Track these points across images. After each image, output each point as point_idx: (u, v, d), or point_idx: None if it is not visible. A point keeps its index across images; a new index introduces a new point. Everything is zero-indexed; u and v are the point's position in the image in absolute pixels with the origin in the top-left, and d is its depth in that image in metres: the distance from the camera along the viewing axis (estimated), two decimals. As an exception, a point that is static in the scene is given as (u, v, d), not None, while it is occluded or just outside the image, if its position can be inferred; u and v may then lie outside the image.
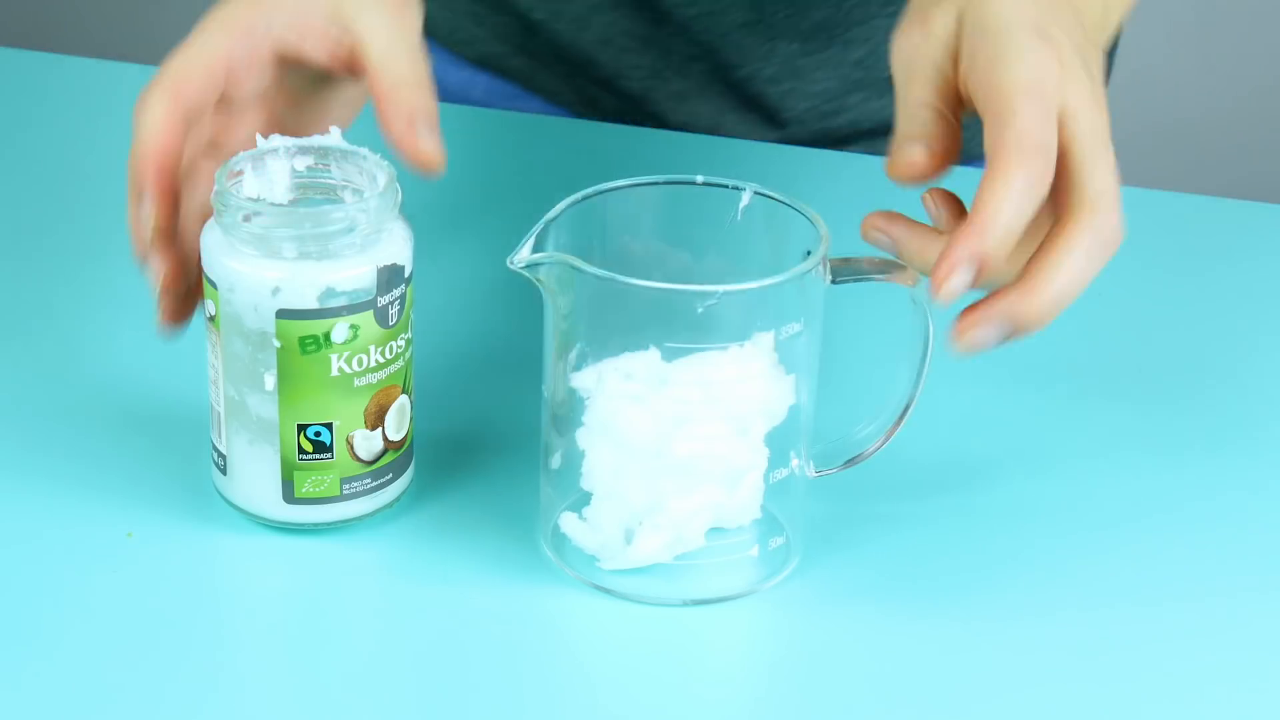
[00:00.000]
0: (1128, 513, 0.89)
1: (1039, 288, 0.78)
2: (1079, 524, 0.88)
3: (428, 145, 0.84)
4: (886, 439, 0.84)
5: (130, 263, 0.96)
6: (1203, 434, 0.94)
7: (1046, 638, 0.82)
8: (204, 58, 0.85)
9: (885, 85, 1.20)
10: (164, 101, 0.84)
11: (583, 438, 0.81)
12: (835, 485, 0.88)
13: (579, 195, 0.82)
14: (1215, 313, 1.03)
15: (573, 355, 0.80)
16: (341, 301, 0.80)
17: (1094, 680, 0.80)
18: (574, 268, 0.78)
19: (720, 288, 0.77)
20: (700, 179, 0.84)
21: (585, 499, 0.82)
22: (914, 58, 0.81)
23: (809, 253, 0.80)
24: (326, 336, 0.80)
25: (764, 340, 0.79)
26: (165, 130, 0.83)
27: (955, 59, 0.81)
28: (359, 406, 0.82)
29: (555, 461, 0.83)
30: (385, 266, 0.81)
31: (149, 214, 0.83)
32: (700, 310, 0.77)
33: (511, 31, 1.23)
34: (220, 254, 0.81)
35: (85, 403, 0.93)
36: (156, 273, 0.84)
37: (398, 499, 0.86)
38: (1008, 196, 0.76)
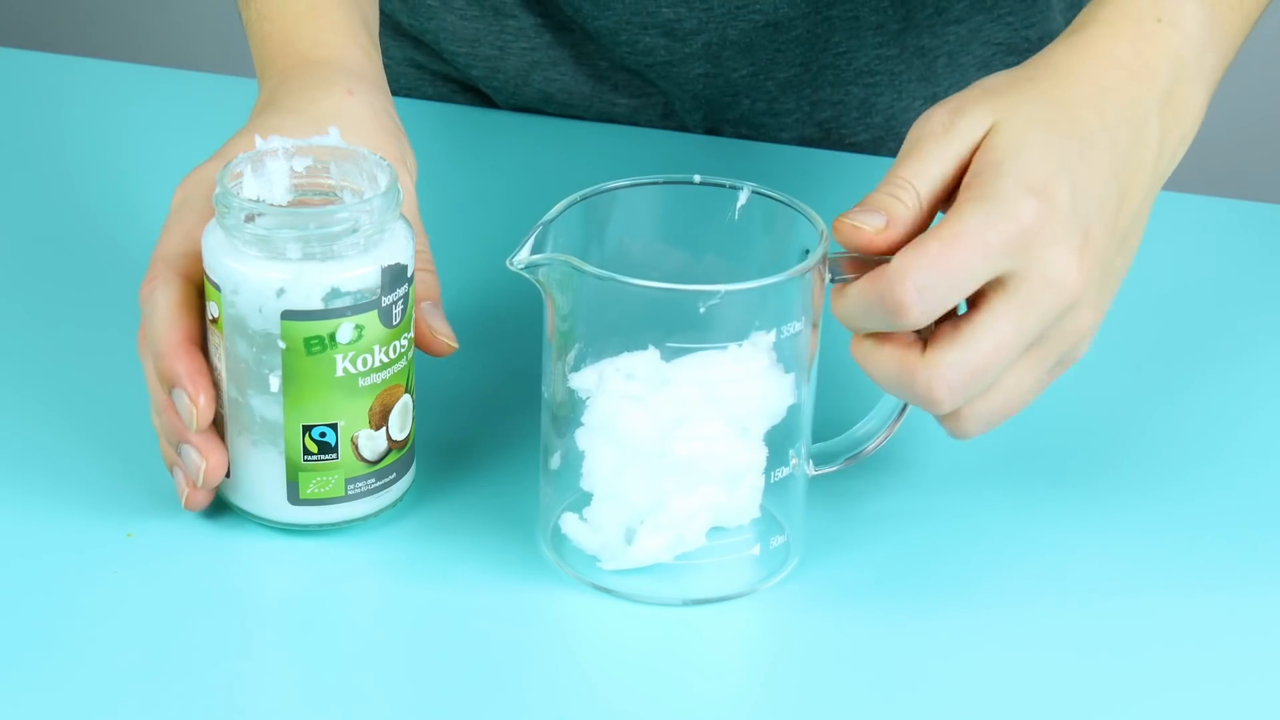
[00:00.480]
0: (1127, 511, 0.89)
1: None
2: (1077, 523, 0.88)
3: (440, 333, 0.86)
4: (885, 437, 0.84)
5: (129, 261, 0.97)
6: (1206, 433, 0.94)
7: (1045, 636, 0.82)
8: (198, 232, 0.84)
9: (847, 150, 1.20)
10: (172, 287, 0.83)
11: (582, 438, 0.81)
12: (835, 484, 0.88)
13: (577, 195, 0.82)
14: (1215, 313, 1.03)
15: (572, 355, 0.81)
16: (346, 302, 0.80)
17: (1093, 678, 0.80)
18: (573, 268, 0.78)
19: (721, 288, 0.77)
20: (698, 178, 0.84)
21: (585, 499, 0.82)
22: (925, 138, 0.80)
23: (807, 252, 0.80)
24: (332, 337, 0.80)
25: (763, 340, 0.79)
26: (182, 318, 0.82)
27: (962, 165, 0.80)
28: (363, 406, 0.82)
29: (555, 462, 0.83)
30: (389, 266, 0.81)
31: (189, 410, 0.81)
32: (701, 310, 0.78)
33: (452, 78, 1.24)
34: (223, 255, 0.80)
35: (85, 403, 0.93)
36: (202, 468, 0.82)
37: (400, 499, 0.86)
38: (862, 296, 0.78)
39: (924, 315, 0.77)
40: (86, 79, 1.25)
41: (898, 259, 0.77)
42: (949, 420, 0.81)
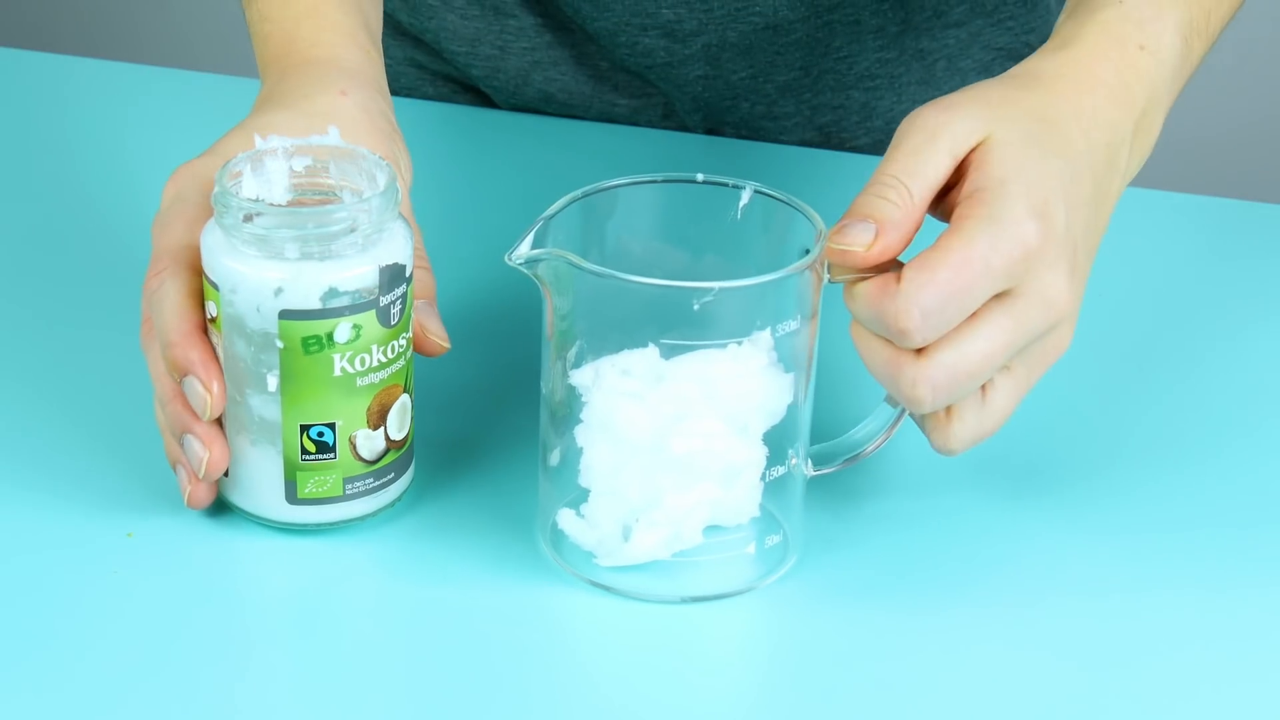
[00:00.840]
0: (1126, 510, 0.89)
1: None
2: (1075, 523, 0.89)
3: (433, 332, 0.86)
4: (884, 439, 0.84)
5: (130, 260, 0.97)
6: (1202, 433, 0.94)
7: (1041, 636, 0.82)
8: (199, 225, 0.84)
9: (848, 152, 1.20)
10: (181, 278, 0.83)
11: (581, 435, 0.81)
12: (833, 484, 0.88)
13: (578, 193, 0.83)
14: (1215, 313, 1.03)
15: (571, 353, 0.81)
16: (344, 301, 0.80)
17: (1090, 677, 0.80)
18: (572, 264, 0.78)
19: (717, 284, 0.77)
20: (700, 177, 0.84)
21: (583, 496, 0.82)
22: (916, 134, 0.80)
23: (807, 251, 0.80)
24: (329, 336, 0.80)
25: (762, 339, 0.79)
26: (191, 308, 0.83)
27: (954, 163, 0.80)
28: (361, 406, 0.82)
29: (554, 459, 0.83)
30: (387, 266, 0.81)
31: (199, 399, 0.82)
32: (697, 307, 0.78)
33: (453, 78, 1.24)
34: (221, 255, 0.81)
35: (86, 401, 0.93)
36: (203, 461, 0.83)
37: (399, 498, 0.86)
38: (868, 307, 0.78)
39: (927, 339, 0.78)
40: (87, 79, 1.25)
41: (905, 282, 0.77)
42: (936, 437, 0.82)
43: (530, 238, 0.80)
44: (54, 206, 1.10)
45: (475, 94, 1.24)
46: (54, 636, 0.80)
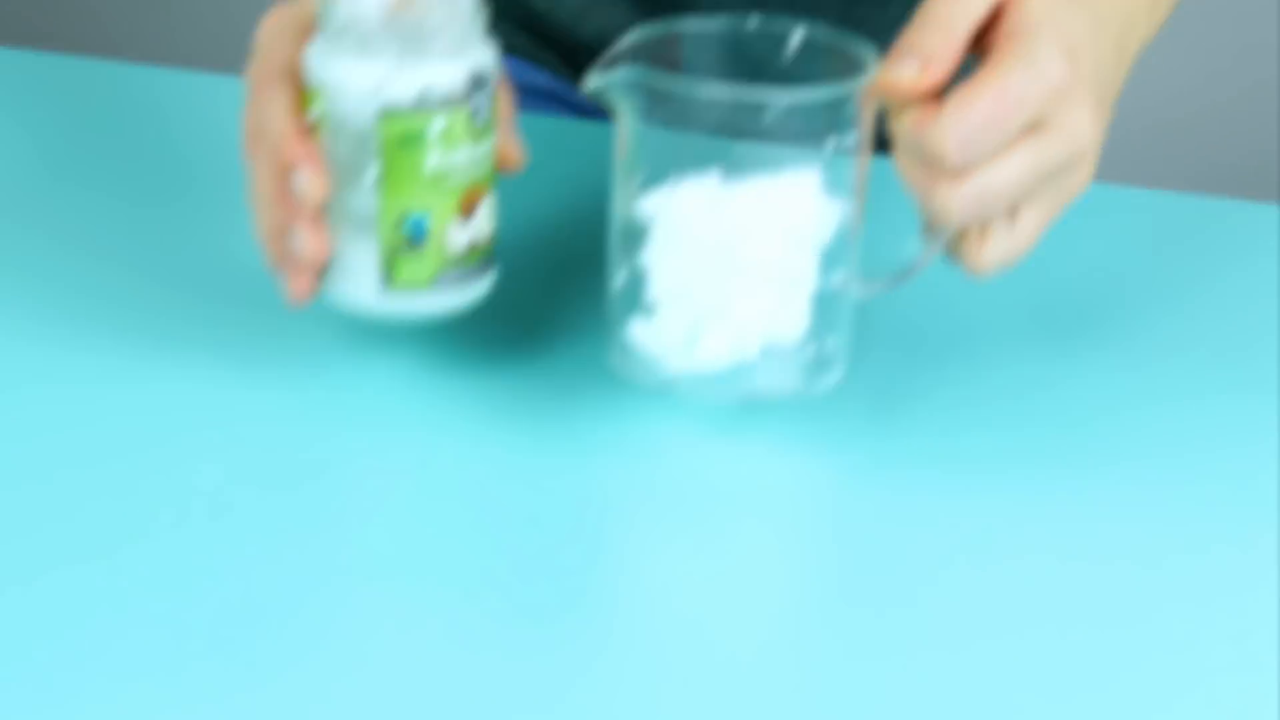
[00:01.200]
0: (1127, 508, 0.90)
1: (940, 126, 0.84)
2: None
3: (512, 146, 0.92)
4: (927, 258, 0.89)
5: (128, 262, 0.99)
6: (1202, 432, 0.95)
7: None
8: (294, 51, 0.89)
9: None
10: (287, 92, 0.88)
11: (649, 251, 0.87)
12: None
13: (641, 33, 0.88)
14: (1215, 313, 1.04)
15: (642, 176, 0.86)
16: (438, 100, 0.85)
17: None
18: (646, 83, 0.84)
19: (788, 95, 0.83)
20: (753, 23, 0.90)
21: (651, 308, 0.88)
22: None
23: (859, 72, 0.86)
24: (423, 132, 0.86)
25: (818, 160, 0.85)
26: (299, 115, 0.88)
27: (995, 12, 0.86)
28: (452, 200, 0.87)
29: (622, 275, 0.88)
30: (475, 72, 0.86)
31: (308, 185, 0.87)
32: (766, 119, 0.83)
33: (516, 12, 1.29)
34: (325, 57, 0.86)
35: (89, 400, 0.93)
36: (309, 248, 0.87)
37: (482, 296, 0.91)
38: (911, 135, 0.84)
39: (963, 165, 0.83)
40: (88, 79, 1.25)
41: (946, 112, 0.83)
42: (969, 259, 0.87)
43: (601, 68, 0.85)
44: (53, 207, 1.09)
45: (532, 33, 1.28)
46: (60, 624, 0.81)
